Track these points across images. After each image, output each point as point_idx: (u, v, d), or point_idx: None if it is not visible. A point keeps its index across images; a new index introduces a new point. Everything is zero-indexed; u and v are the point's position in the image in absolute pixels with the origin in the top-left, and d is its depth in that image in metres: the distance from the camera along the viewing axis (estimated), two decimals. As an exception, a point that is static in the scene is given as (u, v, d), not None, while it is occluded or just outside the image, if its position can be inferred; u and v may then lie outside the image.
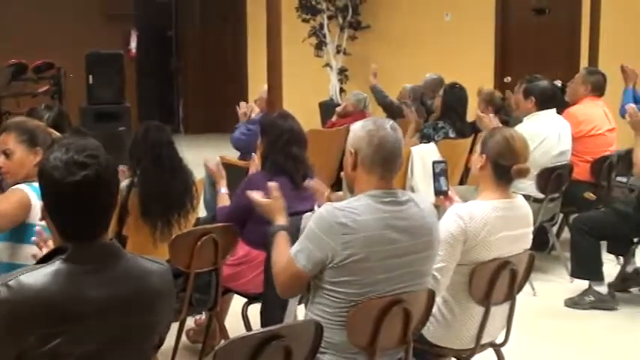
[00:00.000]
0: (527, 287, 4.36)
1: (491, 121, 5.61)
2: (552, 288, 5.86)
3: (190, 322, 4.71)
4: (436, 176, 3.66)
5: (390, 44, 12.18)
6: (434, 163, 3.71)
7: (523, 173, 3.49)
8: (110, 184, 2.15)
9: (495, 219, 3.39)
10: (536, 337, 4.93)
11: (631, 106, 5.56)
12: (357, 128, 3.03)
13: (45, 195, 2.15)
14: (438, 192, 3.66)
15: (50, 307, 2.02)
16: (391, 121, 3.06)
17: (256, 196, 3.41)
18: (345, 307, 2.88)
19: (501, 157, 3.47)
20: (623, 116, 6.16)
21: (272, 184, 3.35)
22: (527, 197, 5.70)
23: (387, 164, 2.97)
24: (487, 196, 3.47)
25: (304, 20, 12.20)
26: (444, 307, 3.43)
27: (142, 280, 2.18)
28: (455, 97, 6.62)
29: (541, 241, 6.33)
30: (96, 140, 2.20)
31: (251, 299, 4.31)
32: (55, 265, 2.06)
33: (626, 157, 6.61)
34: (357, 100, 8.43)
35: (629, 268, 5.76)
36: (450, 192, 3.66)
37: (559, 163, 5.96)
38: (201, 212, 5.84)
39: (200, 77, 14.64)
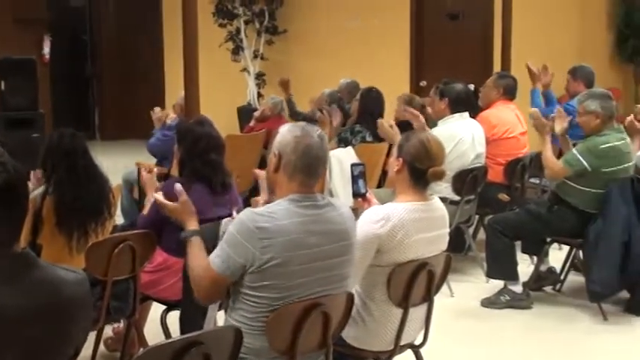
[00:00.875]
0: (444, 288, 4.43)
1: (391, 129, 5.64)
2: (469, 288, 5.95)
3: (108, 330, 4.65)
4: (354, 179, 3.69)
5: (307, 49, 12.23)
6: (352, 165, 3.73)
7: (439, 176, 3.54)
8: (19, 190, 2.10)
9: (412, 221, 3.43)
10: (454, 337, 5.00)
11: (534, 110, 5.68)
12: (285, 132, 3.04)
13: None
14: (357, 194, 3.69)
15: None
16: (319, 130, 3.07)
17: (162, 198, 3.38)
18: (265, 312, 2.88)
19: (417, 160, 3.52)
20: None
21: (177, 188, 3.31)
22: (443, 199, 5.78)
23: (309, 172, 2.99)
24: (404, 199, 3.51)
25: (221, 25, 12.16)
26: (363, 309, 3.46)
27: (57, 289, 2.13)
28: (371, 101, 6.69)
29: (458, 242, 6.44)
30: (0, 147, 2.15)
31: (170, 306, 4.27)
32: None
33: (538, 159, 6.77)
34: (273, 104, 8.45)
35: (543, 268, 5.89)
36: (368, 194, 3.69)
37: (474, 166, 6.06)
38: (119, 219, 5.78)
39: (116, 83, 14.46)
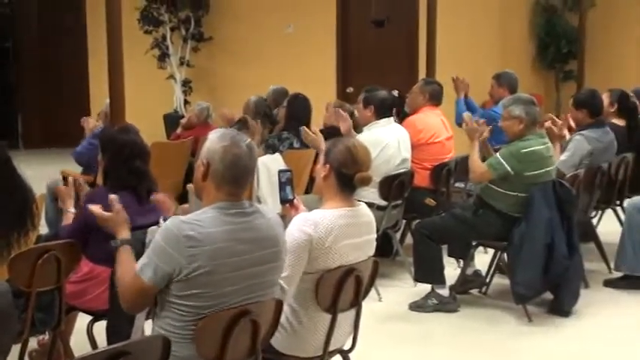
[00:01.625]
0: (372, 293, 4.46)
1: (317, 137, 5.68)
2: (397, 293, 6.00)
3: (33, 343, 4.56)
4: (282, 185, 3.69)
5: (234, 55, 12.21)
6: (279, 172, 3.74)
7: (366, 181, 3.57)
8: None
9: (340, 227, 3.45)
10: (382, 341, 5.03)
11: (467, 114, 5.77)
12: (214, 140, 3.01)
13: None
14: (284, 201, 3.70)
15: None
16: (248, 140, 3.06)
17: (97, 209, 3.34)
18: (193, 320, 2.87)
19: (344, 166, 3.54)
20: (459, 125, 6.41)
21: (112, 197, 3.29)
22: (370, 205, 5.82)
23: (237, 183, 2.98)
24: (331, 205, 3.53)
25: (146, 32, 12.07)
26: (292, 316, 3.46)
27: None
28: (299, 107, 6.70)
29: (385, 247, 6.49)
30: None
31: (97, 316, 4.21)
32: None
33: (463, 163, 6.87)
34: (200, 110, 8.41)
35: (469, 271, 5.97)
36: (295, 201, 3.70)
37: (400, 171, 6.11)
38: (43, 229, 5.68)
39: (39, 90, 14.22)
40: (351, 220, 3.51)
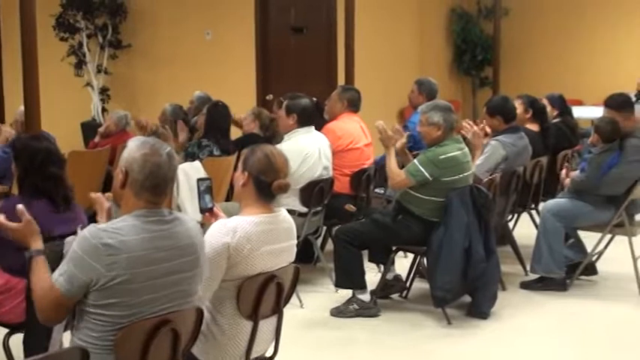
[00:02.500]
0: (294, 299, 4.46)
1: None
2: (318, 299, 6.02)
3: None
4: (201, 194, 3.68)
5: (152, 63, 12.10)
6: (198, 180, 3.73)
7: (284, 189, 3.58)
8: None
9: (259, 233, 3.45)
10: (304, 348, 5.04)
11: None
12: (133, 148, 2.99)
13: None
14: (204, 209, 3.68)
15: None
16: (168, 148, 3.03)
17: (3, 219, 3.24)
18: (112, 331, 2.83)
19: (262, 173, 3.54)
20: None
21: (19, 208, 3.17)
22: (291, 212, 5.84)
23: (157, 191, 2.96)
24: (250, 212, 3.53)
25: (62, 39, 11.87)
26: (213, 324, 3.44)
27: None
28: (218, 115, 6.66)
29: (306, 253, 6.51)
30: None
31: (13, 329, 4.12)
32: None
33: (382, 169, 6.93)
34: (118, 118, 8.31)
35: (390, 276, 6.02)
36: (215, 209, 3.69)
37: (321, 178, 6.14)
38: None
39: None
40: (270, 227, 3.52)
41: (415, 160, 5.55)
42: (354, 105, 6.88)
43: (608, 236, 6.39)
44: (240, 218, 3.49)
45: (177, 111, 7.74)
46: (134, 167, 2.94)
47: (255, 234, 3.44)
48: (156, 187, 2.95)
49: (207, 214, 3.68)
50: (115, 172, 3.06)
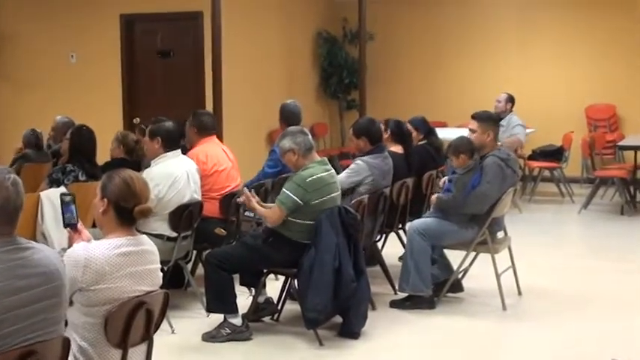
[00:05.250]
0: (164, 325, 4.40)
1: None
2: (190, 324, 5.95)
3: None
4: (65, 209, 3.59)
5: (15, 86, 11.77)
6: (61, 195, 3.65)
7: (145, 213, 3.54)
8: None
9: (119, 256, 3.39)
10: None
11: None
12: None
13: None
14: (68, 224, 3.60)
15: None
16: (12, 176, 2.93)
17: None
18: (-26, 365, 2.72)
19: (122, 199, 3.49)
20: None
21: None
22: (160, 236, 5.83)
23: (9, 222, 2.89)
24: (111, 237, 3.48)
25: None
26: (81, 354, 3.35)
27: None
28: (82, 139, 6.52)
29: (177, 278, 6.44)
30: None
31: None
32: None
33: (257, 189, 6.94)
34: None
35: (261, 299, 6.02)
36: (79, 225, 3.61)
37: (189, 202, 6.09)
38: None
39: None
40: (131, 249, 3.46)
41: (283, 189, 5.58)
42: (206, 129, 6.81)
43: (473, 254, 6.58)
44: (100, 242, 3.43)
45: (69, 123, 7.61)
46: None
47: (115, 257, 3.37)
48: (8, 220, 2.88)
49: (71, 229, 3.59)
50: None
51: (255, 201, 5.71)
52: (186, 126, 6.94)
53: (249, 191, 5.79)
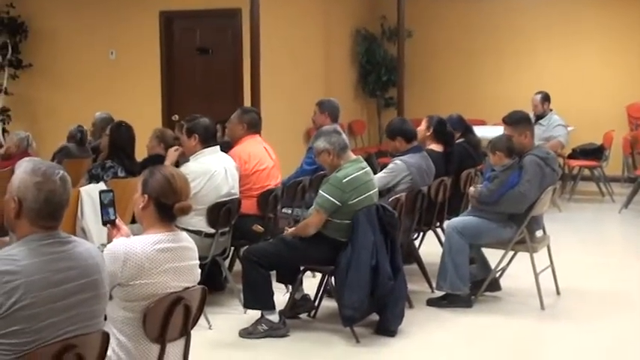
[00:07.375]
0: (202, 321, 4.43)
1: None
2: (227, 320, 5.98)
3: None
4: (103, 206, 3.62)
5: (55, 82, 11.89)
6: (100, 192, 3.67)
7: (185, 211, 3.56)
8: None
9: (158, 252, 3.41)
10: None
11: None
12: (24, 176, 2.90)
13: None
14: (106, 221, 3.63)
15: None
16: (61, 172, 2.96)
17: None
18: (15, 359, 2.74)
19: (163, 196, 3.52)
20: None
21: None
22: (198, 233, 5.85)
23: (53, 217, 2.91)
24: (152, 233, 3.50)
25: (-41, 59, 11.57)
26: (120, 348, 3.38)
27: None
28: (121, 135, 6.57)
29: (214, 274, 6.46)
30: None
31: None
32: None
33: (289, 190, 6.96)
34: (19, 139, 8.13)
35: (298, 295, 6.03)
36: (117, 221, 3.64)
37: (228, 198, 6.11)
38: None
39: None
40: (170, 245, 3.48)
41: (320, 191, 5.58)
42: (253, 127, 6.84)
43: (511, 253, 6.54)
44: (139, 238, 3.46)
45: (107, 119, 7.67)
46: (28, 197, 2.87)
47: (153, 253, 3.40)
48: (52, 214, 2.90)
49: (110, 226, 3.62)
50: (6, 198, 2.94)
51: (290, 230, 5.71)
52: (229, 121, 6.97)
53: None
